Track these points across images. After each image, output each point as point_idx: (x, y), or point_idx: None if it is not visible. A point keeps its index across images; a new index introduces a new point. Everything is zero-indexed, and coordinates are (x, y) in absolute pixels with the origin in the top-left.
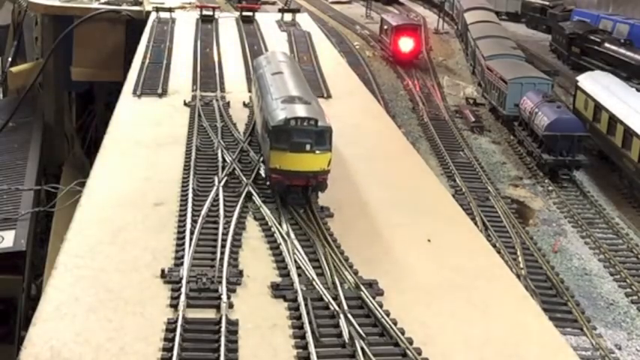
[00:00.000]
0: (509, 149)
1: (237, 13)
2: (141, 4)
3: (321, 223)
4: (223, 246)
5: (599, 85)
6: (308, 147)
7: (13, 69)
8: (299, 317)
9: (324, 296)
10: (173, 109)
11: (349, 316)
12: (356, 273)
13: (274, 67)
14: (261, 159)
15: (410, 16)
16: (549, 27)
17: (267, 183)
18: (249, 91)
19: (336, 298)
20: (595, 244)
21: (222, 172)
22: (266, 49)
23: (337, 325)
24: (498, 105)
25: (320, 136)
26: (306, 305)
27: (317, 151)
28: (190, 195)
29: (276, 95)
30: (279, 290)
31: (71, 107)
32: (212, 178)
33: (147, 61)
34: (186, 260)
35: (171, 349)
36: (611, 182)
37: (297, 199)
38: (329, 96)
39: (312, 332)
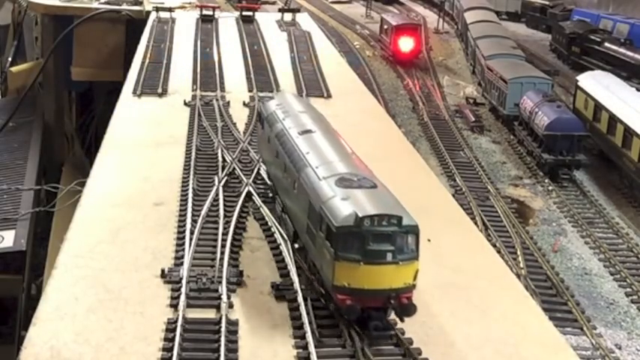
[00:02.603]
0: (510, 149)
1: (237, 13)
2: (141, 4)
3: None
4: (223, 246)
5: (599, 85)
6: (389, 256)
7: (13, 69)
8: (299, 317)
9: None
10: (173, 108)
11: None
12: None
13: (297, 122)
14: (298, 254)
15: (410, 16)
16: (549, 26)
17: (331, 306)
18: (250, 90)
19: None
20: (595, 243)
21: (223, 171)
22: (266, 49)
23: (337, 325)
24: (498, 104)
25: (404, 240)
26: (306, 305)
27: (401, 262)
28: (190, 195)
29: (323, 173)
30: (279, 290)
31: (71, 107)
32: (212, 178)
33: (147, 60)
34: (186, 260)
35: (171, 349)
36: (611, 182)
37: (381, 327)
38: (329, 96)
39: (312, 332)
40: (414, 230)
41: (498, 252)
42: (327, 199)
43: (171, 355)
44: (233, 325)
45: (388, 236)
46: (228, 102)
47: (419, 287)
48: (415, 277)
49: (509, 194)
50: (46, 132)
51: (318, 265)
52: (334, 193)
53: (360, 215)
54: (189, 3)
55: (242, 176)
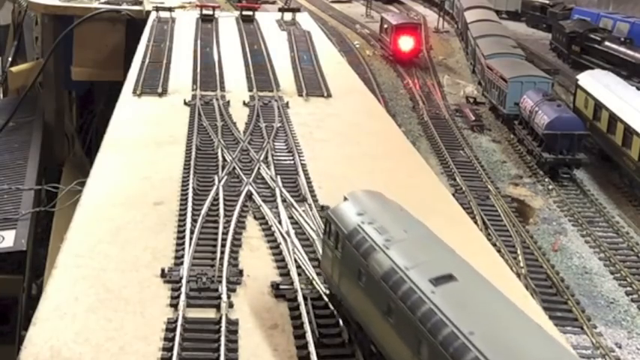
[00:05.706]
0: (510, 148)
1: (237, 13)
2: (141, 3)
3: (321, 222)
4: (223, 245)
5: (599, 84)
6: None
7: (13, 69)
8: (299, 317)
9: (324, 296)
10: (173, 108)
11: None
12: None
13: (413, 256)
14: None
15: (410, 15)
16: (549, 25)
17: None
18: (249, 90)
19: None
20: (595, 242)
21: (223, 171)
22: (266, 49)
23: (337, 325)
24: (498, 104)
25: None
26: (306, 305)
27: None
28: (190, 194)
29: None
30: (279, 290)
31: (71, 107)
32: (212, 178)
33: (147, 60)
34: (186, 260)
35: (171, 349)
36: (612, 181)
37: None
38: (329, 95)
39: (312, 332)
40: None
41: (498, 251)
42: None
43: (171, 355)
44: (233, 324)
45: None
46: (228, 101)
47: None
48: None
49: (509, 193)
50: (46, 132)
51: None
52: None
53: None
54: (189, 3)
55: (242, 175)
